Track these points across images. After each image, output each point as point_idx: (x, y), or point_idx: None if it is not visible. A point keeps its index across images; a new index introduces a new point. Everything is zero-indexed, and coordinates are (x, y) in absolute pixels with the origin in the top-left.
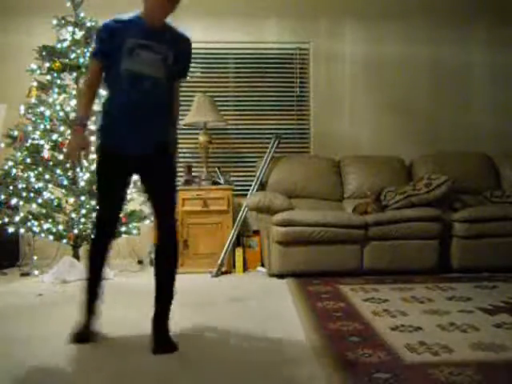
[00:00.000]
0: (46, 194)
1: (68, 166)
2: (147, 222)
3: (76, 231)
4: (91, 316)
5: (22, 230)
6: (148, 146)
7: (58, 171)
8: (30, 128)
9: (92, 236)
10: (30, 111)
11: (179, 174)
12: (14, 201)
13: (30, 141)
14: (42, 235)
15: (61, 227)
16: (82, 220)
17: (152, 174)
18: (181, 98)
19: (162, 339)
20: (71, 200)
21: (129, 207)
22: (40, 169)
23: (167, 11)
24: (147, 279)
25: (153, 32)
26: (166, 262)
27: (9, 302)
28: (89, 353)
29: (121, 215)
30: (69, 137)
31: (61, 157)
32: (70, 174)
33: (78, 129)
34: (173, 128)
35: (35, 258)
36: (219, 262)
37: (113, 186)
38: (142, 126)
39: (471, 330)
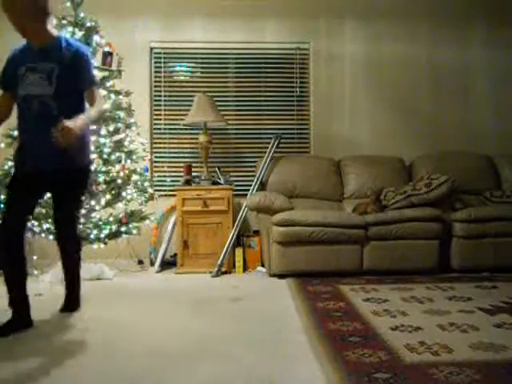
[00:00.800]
0: (46, 194)
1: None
2: (147, 222)
3: None
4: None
5: None
6: (46, 162)
7: None
8: None
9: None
10: None
11: (179, 174)
12: None
13: None
14: (42, 235)
15: None
16: (82, 220)
17: (53, 188)
18: (181, 98)
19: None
20: None
21: (129, 207)
22: None
23: (19, 27)
24: (147, 279)
25: (38, 53)
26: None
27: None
28: (88, 353)
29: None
30: None
31: None
32: None
33: None
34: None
35: (35, 257)
36: (219, 262)
37: (21, 198)
38: (39, 144)
39: (471, 330)
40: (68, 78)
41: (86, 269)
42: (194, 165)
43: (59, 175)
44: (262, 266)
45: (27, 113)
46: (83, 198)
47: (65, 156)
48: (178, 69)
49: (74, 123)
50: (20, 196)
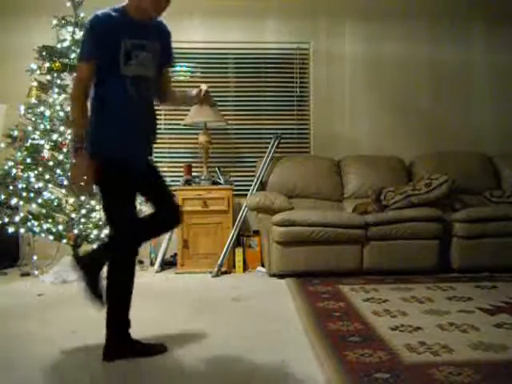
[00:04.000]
0: (46, 194)
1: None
2: None
3: (76, 231)
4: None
5: (22, 230)
6: (149, 150)
7: (58, 171)
8: (30, 128)
9: (120, 253)
10: (29, 111)
11: (179, 174)
12: (13, 201)
13: (29, 141)
14: (42, 235)
15: (61, 227)
16: (82, 220)
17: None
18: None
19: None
20: (71, 200)
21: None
22: (40, 169)
23: (165, 7)
24: (147, 279)
25: (143, 29)
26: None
27: (9, 302)
28: (88, 353)
29: None
30: (69, 136)
31: (61, 157)
32: (69, 173)
33: (82, 149)
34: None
35: (35, 257)
36: (219, 262)
37: (131, 200)
38: (145, 131)
39: (471, 330)
40: (163, 58)
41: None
42: (193, 165)
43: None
44: (262, 265)
45: (134, 96)
46: None
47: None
48: (177, 69)
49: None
50: (131, 195)
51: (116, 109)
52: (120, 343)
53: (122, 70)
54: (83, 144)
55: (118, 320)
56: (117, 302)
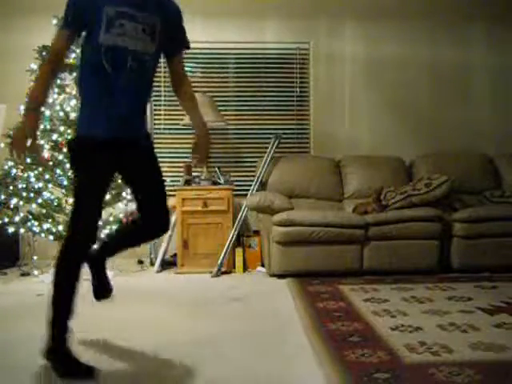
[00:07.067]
0: (46, 194)
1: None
2: None
3: None
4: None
5: (22, 230)
6: (129, 132)
7: (58, 171)
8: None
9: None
10: None
11: (179, 174)
12: (13, 201)
13: (30, 141)
14: (42, 235)
15: (61, 227)
16: None
17: (134, 166)
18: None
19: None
20: (71, 200)
21: (129, 207)
22: (40, 169)
23: None
24: (147, 279)
25: None
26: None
27: (9, 302)
28: (89, 353)
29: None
30: (69, 136)
31: (61, 157)
32: (69, 173)
33: (33, 115)
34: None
35: (35, 258)
36: (219, 262)
37: (98, 183)
38: (123, 111)
39: (471, 330)
40: (166, 37)
41: (86, 269)
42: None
43: (136, 147)
44: (262, 266)
45: (114, 71)
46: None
47: (142, 129)
48: None
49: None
50: (97, 187)
51: (88, 83)
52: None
53: (100, 38)
54: (33, 111)
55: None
56: (56, 303)
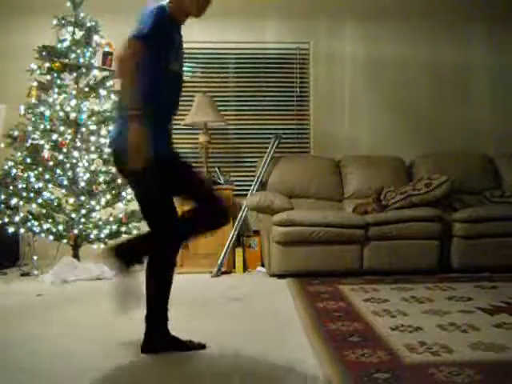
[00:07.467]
0: (46, 194)
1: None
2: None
3: (76, 231)
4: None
5: (22, 230)
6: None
7: (58, 171)
8: (30, 128)
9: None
10: (29, 111)
11: None
12: (13, 201)
13: (29, 141)
14: (42, 235)
15: (61, 227)
16: (82, 220)
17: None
18: (181, 98)
19: None
20: (71, 200)
21: (129, 207)
22: (40, 169)
23: (205, 8)
24: None
25: (179, 28)
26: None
27: (9, 302)
28: (89, 353)
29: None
30: (69, 136)
31: (61, 157)
32: (69, 173)
33: (139, 116)
34: None
35: (35, 258)
36: (219, 262)
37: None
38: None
39: (471, 330)
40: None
41: (86, 269)
42: (193, 165)
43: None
44: (262, 266)
45: (174, 91)
46: None
47: None
48: None
49: None
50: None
51: (156, 99)
52: (159, 337)
53: (171, 65)
54: (138, 112)
55: (157, 314)
56: (156, 295)
